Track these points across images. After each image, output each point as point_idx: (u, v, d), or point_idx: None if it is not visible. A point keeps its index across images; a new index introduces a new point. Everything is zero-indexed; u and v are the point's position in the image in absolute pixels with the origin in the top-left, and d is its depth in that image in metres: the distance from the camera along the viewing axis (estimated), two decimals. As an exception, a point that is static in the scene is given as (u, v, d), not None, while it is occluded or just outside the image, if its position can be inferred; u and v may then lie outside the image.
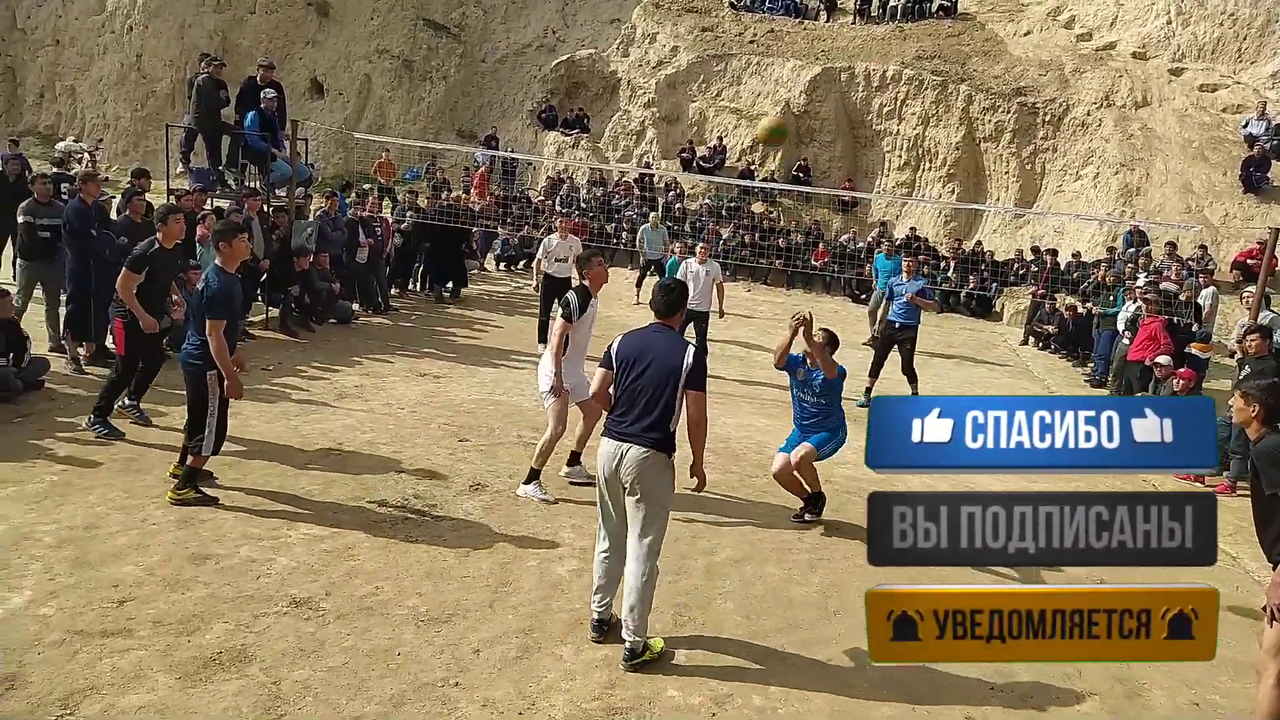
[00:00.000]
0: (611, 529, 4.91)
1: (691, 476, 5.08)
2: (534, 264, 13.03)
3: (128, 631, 4.49)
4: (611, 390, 4.94)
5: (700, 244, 13.26)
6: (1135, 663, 5.12)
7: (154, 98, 29.74)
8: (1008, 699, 4.79)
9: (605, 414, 5.01)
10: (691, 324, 11.58)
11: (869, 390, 10.99)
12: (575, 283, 7.34)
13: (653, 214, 18.82)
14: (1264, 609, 4.53)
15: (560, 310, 6.98)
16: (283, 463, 6.99)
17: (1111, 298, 14.47)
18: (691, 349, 4.89)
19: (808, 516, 7.05)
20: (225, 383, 5.98)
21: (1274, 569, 4.50)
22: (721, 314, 12.60)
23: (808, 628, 5.30)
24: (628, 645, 4.70)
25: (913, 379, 11.25)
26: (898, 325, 11.13)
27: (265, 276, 11.41)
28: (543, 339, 11.65)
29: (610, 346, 4.99)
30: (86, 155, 20.61)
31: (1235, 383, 9.27)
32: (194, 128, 12.39)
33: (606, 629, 4.92)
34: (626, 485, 4.75)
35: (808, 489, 7.04)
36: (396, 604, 5.04)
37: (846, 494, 7.72)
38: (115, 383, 7.28)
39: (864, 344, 14.03)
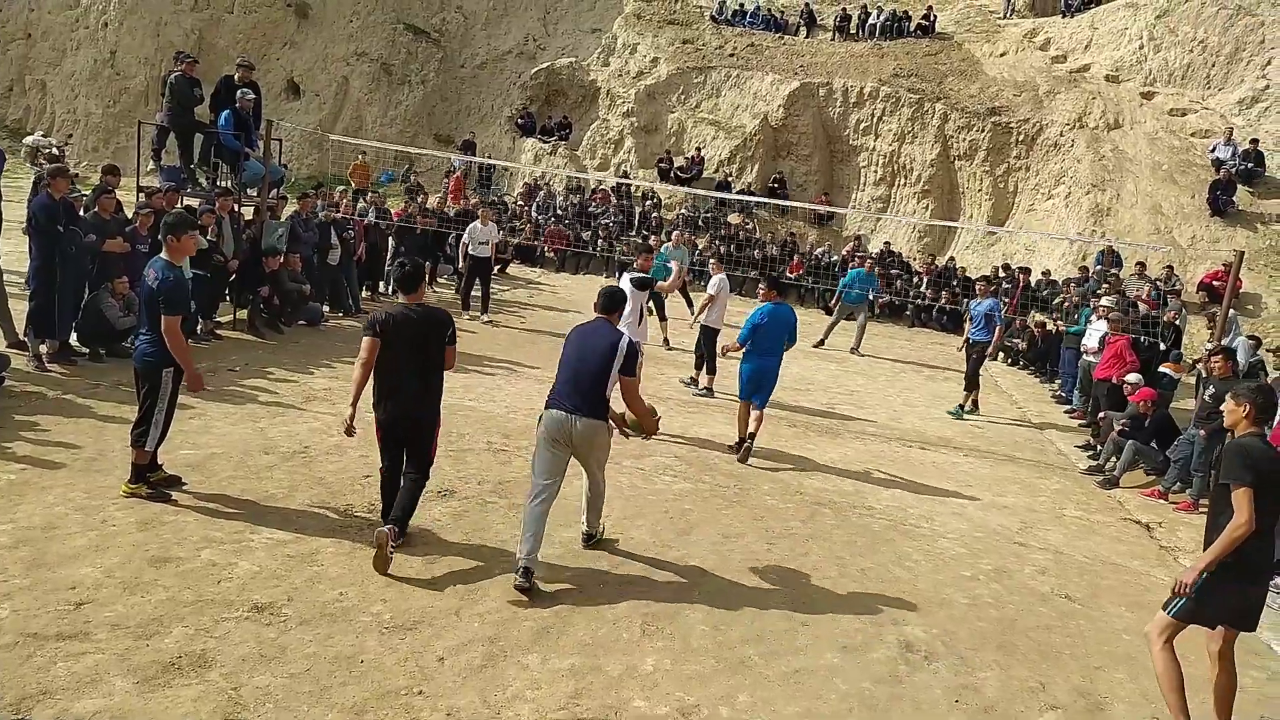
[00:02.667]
0: (548, 480, 5.66)
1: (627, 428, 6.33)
2: (460, 246, 14.93)
3: (84, 635, 4.39)
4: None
5: (714, 260, 13.50)
6: (1099, 675, 5.18)
7: (127, 94, 29.41)
8: (971, 712, 4.80)
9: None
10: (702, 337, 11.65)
11: (973, 404, 12.41)
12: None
13: (675, 233, 18.36)
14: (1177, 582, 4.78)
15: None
16: (247, 465, 6.89)
17: (1076, 315, 14.66)
18: (626, 340, 5.82)
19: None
20: (184, 379, 5.89)
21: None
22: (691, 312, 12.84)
23: (776, 639, 5.29)
24: (586, 533, 6.25)
25: (970, 387, 12.48)
26: (972, 341, 12.47)
27: (234, 277, 11.29)
28: (467, 307, 14.50)
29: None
30: (54, 150, 20.29)
31: (1199, 402, 9.42)
32: (166, 125, 12.24)
33: (532, 577, 5.47)
34: (576, 445, 5.68)
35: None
36: (360, 610, 4.97)
37: (816, 505, 7.74)
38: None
39: (814, 346, 15.61)
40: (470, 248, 14.36)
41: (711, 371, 11.43)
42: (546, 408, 5.73)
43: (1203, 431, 9.18)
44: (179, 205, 11.06)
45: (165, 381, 5.89)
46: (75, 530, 5.45)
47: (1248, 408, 4.72)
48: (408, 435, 5.76)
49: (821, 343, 15.76)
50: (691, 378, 11.64)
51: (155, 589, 4.89)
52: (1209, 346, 10.55)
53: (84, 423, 7.32)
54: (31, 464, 6.35)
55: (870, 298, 16.89)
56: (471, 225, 14.59)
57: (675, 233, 18.43)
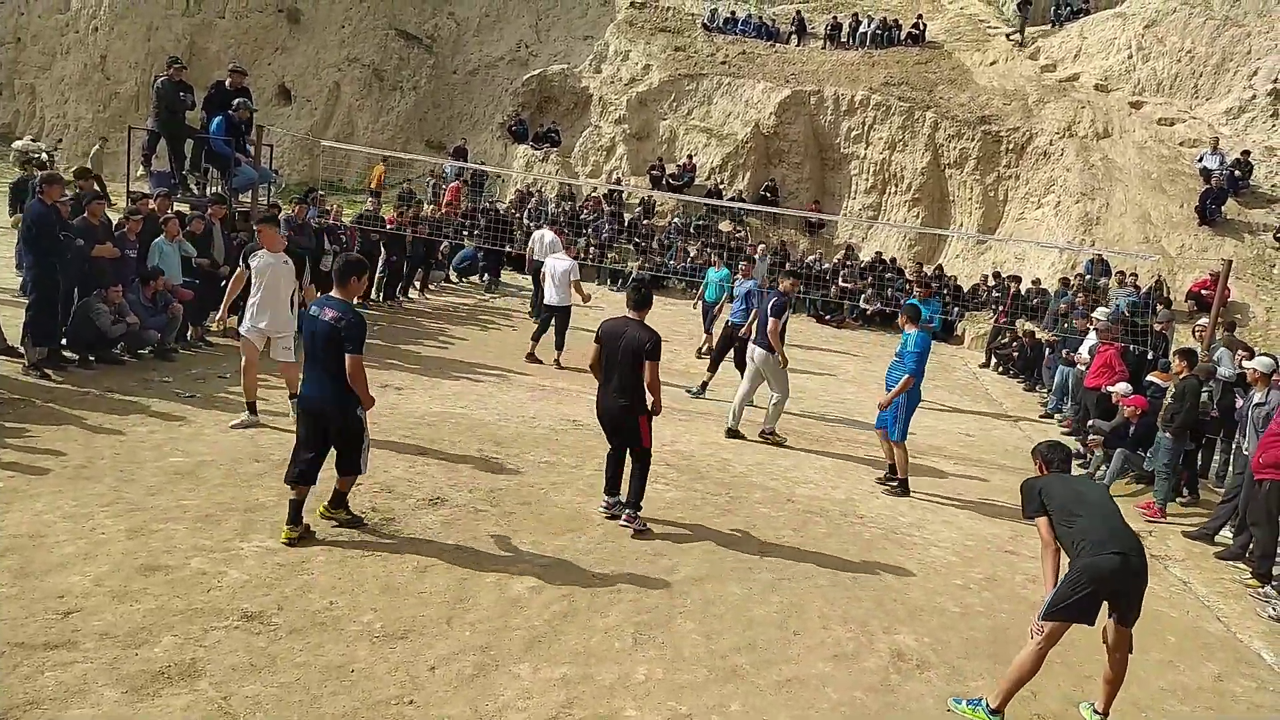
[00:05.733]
0: (748, 386, 9.98)
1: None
2: (527, 252, 15.69)
3: (72, 644, 4.36)
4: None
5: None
6: (1089, 684, 5.19)
7: (117, 99, 29.33)
8: (964, 721, 4.80)
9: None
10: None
11: (702, 386, 11.94)
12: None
13: (760, 245, 18.92)
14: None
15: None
16: (237, 473, 6.86)
17: (1066, 324, 14.76)
18: (775, 298, 9.59)
19: (888, 485, 8.85)
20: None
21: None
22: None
23: (768, 648, 5.29)
24: (764, 428, 9.95)
25: (712, 368, 12.07)
26: (730, 322, 12.02)
27: (225, 283, 11.24)
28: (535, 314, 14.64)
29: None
30: (44, 155, 20.20)
31: (1167, 406, 9.48)
32: (156, 130, 12.21)
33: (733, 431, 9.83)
34: (759, 366, 9.79)
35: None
36: (351, 619, 4.95)
37: (808, 513, 7.74)
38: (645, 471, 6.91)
39: None
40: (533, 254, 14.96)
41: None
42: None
43: (1168, 434, 9.23)
44: (170, 211, 11.05)
45: (361, 416, 5.89)
46: (64, 538, 5.41)
47: (1039, 462, 5.45)
48: (612, 426, 6.82)
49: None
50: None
51: (144, 598, 4.86)
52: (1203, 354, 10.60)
53: (73, 429, 7.28)
54: (20, 471, 6.31)
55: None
56: (535, 234, 15.37)
57: (761, 246, 18.59)
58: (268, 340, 8.08)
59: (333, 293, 5.91)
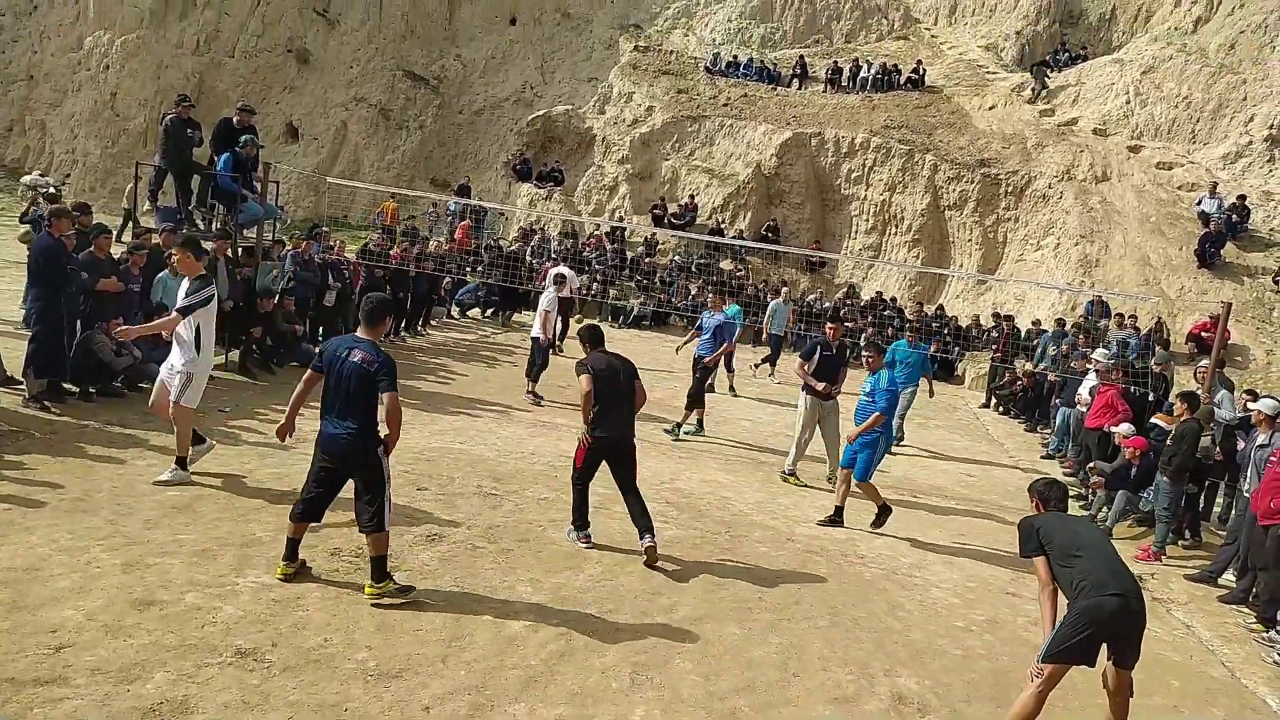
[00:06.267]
0: (806, 433, 9.96)
1: None
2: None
3: (63, 680, 4.31)
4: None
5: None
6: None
7: (126, 135, 29.62)
8: (965, 767, 4.73)
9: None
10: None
11: (697, 424, 11.74)
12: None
13: (785, 289, 19.16)
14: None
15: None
16: (234, 508, 6.83)
17: (1068, 364, 14.79)
18: (812, 343, 9.91)
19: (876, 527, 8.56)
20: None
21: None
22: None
23: (767, 690, 5.23)
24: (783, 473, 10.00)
25: (692, 406, 11.64)
26: (696, 355, 12.15)
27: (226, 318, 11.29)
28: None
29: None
30: (52, 189, 20.36)
31: (1166, 449, 9.48)
32: (163, 166, 12.33)
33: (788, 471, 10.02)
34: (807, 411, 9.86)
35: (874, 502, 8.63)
36: (345, 657, 4.90)
37: (808, 553, 7.69)
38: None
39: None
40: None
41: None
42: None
43: (1166, 477, 9.20)
44: (175, 246, 11.12)
45: (382, 460, 5.72)
46: (59, 572, 5.37)
47: (1035, 499, 5.46)
48: (625, 453, 7.00)
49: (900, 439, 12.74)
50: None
51: (138, 633, 4.82)
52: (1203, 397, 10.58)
53: (72, 462, 7.26)
54: (16, 504, 6.28)
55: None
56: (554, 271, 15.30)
57: (785, 289, 18.78)
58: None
59: (359, 332, 5.83)
